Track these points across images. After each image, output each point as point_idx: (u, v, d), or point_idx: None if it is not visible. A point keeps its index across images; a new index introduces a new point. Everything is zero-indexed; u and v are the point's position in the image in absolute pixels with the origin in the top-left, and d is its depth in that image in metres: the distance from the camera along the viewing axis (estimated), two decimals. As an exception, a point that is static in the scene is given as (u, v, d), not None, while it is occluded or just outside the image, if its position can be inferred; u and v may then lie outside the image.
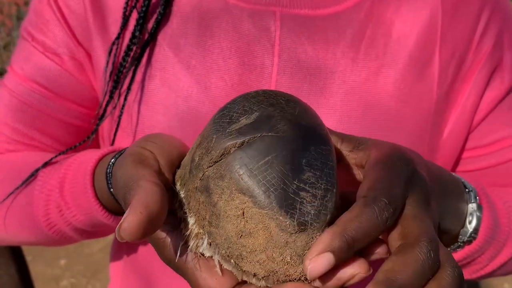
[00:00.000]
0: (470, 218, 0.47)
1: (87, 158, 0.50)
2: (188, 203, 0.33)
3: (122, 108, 0.53)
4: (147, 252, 0.59)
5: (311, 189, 0.31)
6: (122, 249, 0.63)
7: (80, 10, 0.53)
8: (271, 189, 0.30)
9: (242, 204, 0.30)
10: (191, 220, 0.33)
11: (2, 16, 3.83)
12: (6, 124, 0.57)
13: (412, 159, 0.34)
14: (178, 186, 0.34)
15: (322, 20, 0.51)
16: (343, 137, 0.36)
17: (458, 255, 0.49)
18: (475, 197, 0.47)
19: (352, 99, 0.50)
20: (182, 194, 0.34)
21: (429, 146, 0.53)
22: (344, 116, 0.50)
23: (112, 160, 0.47)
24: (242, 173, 0.30)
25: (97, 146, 0.60)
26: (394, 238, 0.30)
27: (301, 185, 0.30)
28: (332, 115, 0.50)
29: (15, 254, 1.46)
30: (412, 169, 0.33)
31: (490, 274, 0.55)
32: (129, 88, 0.52)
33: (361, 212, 0.29)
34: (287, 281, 0.31)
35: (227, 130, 0.32)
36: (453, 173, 0.47)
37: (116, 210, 0.49)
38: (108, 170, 0.46)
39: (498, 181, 0.58)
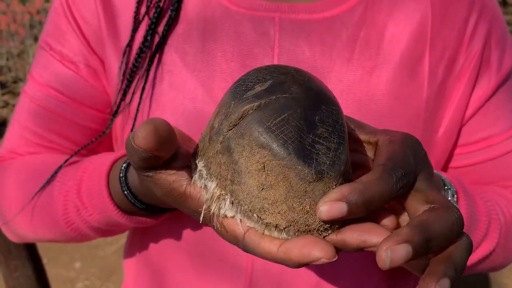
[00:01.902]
0: None
1: (102, 161, 0.53)
2: (209, 169, 0.34)
3: (138, 107, 0.55)
4: (160, 247, 0.61)
5: (325, 142, 0.33)
6: (136, 245, 0.66)
7: (94, 21, 0.57)
8: (289, 142, 0.32)
9: (262, 158, 0.32)
10: (212, 185, 0.34)
11: (15, 25, 3.89)
12: (27, 128, 0.60)
13: (421, 144, 0.37)
14: (197, 159, 0.36)
15: (319, 24, 0.54)
16: (356, 121, 0.40)
17: None
18: (453, 195, 0.50)
19: (347, 97, 0.53)
20: (201, 164, 0.35)
21: (422, 143, 0.55)
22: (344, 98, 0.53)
23: (124, 165, 0.50)
24: (261, 130, 0.32)
25: (110, 147, 0.63)
26: (418, 203, 0.33)
27: (316, 138, 0.32)
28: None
29: (32, 255, 1.49)
30: (423, 150, 0.36)
31: (465, 271, 0.58)
32: (143, 89, 0.55)
33: (381, 177, 0.32)
34: (307, 232, 0.33)
35: (244, 96, 0.33)
36: (434, 170, 0.50)
37: (130, 210, 0.52)
38: (121, 175, 0.49)
39: (485, 178, 0.60)
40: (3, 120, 3.46)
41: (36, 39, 4.30)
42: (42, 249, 1.43)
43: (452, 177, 0.54)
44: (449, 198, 0.50)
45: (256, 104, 0.32)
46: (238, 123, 0.33)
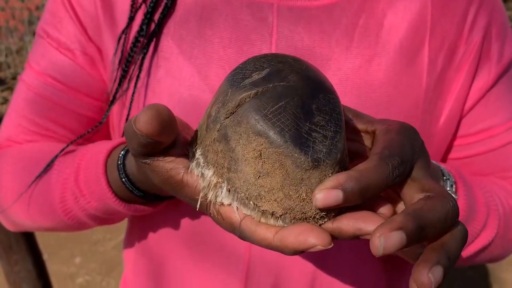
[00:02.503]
0: None
1: (99, 149, 0.53)
2: (206, 157, 0.35)
3: (132, 97, 0.55)
4: (158, 236, 0.61)
5: (322, 131, 0.33)
6: (134, 235, 0.66)
7: (91, 8, 0.56)
8: (286, 130, 0.32)
9: (259, 146, 0.32)
10: (209, 173, 0.34)
11: (14, 21, 3.88)
12: (24, 116, 0.60)
13: (418, 133, 0.37)
14: (194, 147, 0.36)
15: (318, 11, 0.53)
16: (353, 111, 0.40)
17: None
18: (451, 186, 0.50)
19: (346, 85, 0.53)
20: (199, 152, 0.35)
21: (420, 133, 0.55)
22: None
23: (122, 152, 0.50)
24: (258, 117, 0.32)
25: (107, 135, 0.63)
26: (414, 192, 0.33)
27: (312, 126, 0.32)
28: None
29: (32, 250, 1.50)
30: (420, 139, 0.36)
31: (464, 262, 0.58)
32: (138, 77, 0.55)
33: (377, 165, 0.32)
34: (303, 219, 0.33)
35: (241, 84, 0.33)
36: (433, 161, 0.50)
37: (128, 198, 0.52)
38: (119, 162, 0.49)
39: (485, 169, 0.61)
40: (2, 116, 3.46)
41: (35, 35, 4.30)
42: (42, 244, 1.43)
43: (451, 168, 0.54)
44: (448, 188, 0.50)
45: (253, 92, 0.33)
46: (235, 111, 0.33)
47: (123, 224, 2.18)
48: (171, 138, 0.34)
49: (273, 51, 0.53)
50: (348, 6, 0.54)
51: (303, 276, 0.57)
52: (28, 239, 1.48)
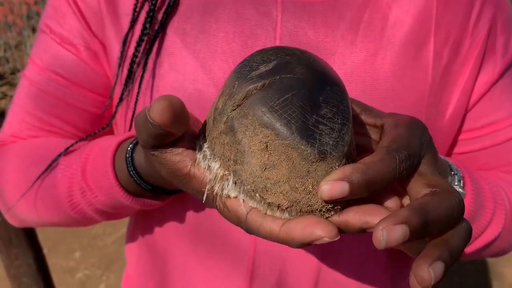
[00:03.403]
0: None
1: (107, 143, 0.53)
2: (213, 150, 0.35)
3: (137, 97, 0.55)
4: (162, 231, 0.61)
5: (329, 123, 0.32)
6: (138, 229, 0.66)
7: (94, 3, 0.56)
8: (292, 121, 0.31)
9: (265, 138, 0.32)
10: (216, 165, 0.34)
11: (13, 16, 3.87)
12: (28, 112, 0.60)
13: (427, 128, 0.37)
14: (201, 140, 0.36)
15: (322, 5, 0.53)
16: (362, 105, 0.40)
17: None
18: (459, 180, 0.50)
19: (351, 79, 0.53)
20: (205, 145, 0.35)
21: None
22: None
23: (130, 146, 0.50)
24: (264, 109, 0.32)
25: (111, 132, 0.63)
26: (420, 186, 0.33)
27: (319, 119, 0.32)
28: None
29: (32, 244, 1.50)
30: (428, 134, 0.36)
31: (471, 255, 0.58)
32: (142, 77, 0.55)
33: (384, 158, 0.32)
34: (309, 212, 0.33)
35: (248, 76, 0.33)
36: (440, 155, 0.50)
37: (135, 191, 0.52)
38: (127, 155, 0.49)
39: (491, 163, 0.61)
40: (2, 111, 3.46)
41: (34, 30, 4.28)
42: (42, 239, 1.43)
43: (458, 162, 0.54)
44: (456, 183, 0.50)
45: (260, 84, 0.32)
46: (242, 103, 0.33)
47: (124, 219, 2.18)
48: (182, 130, 0.34)
49: (278, 44, 0.53)
50: (352, 1, 0.54)
51: (308, 270, 0.57)
52: (28, 233, 1.48)
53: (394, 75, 0.53)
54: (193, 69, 0.53)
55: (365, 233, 0.33)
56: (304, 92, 0.33)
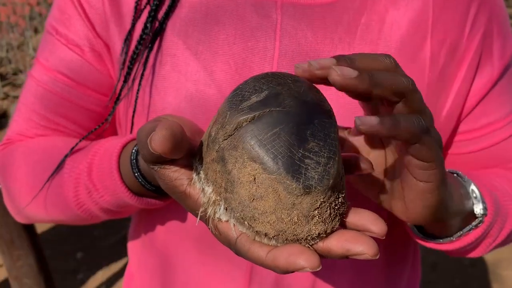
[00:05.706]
0: (474, 197, 0.51)
1: (112, 144, 0.54)
2: (206, 174, 0.36)
3: (137, 93, 0.56)
4: (165, 230, 0.62)
5: (315, 157, 0.34)
6: (141, 228, 0.67)
7: (99, 5, 0.57)
8: (279, 157, 0.33)
9: (253, 171, 0.33)
10: (209, 189, 0.36)
11: (15, 17, 3.88)
12: (34, 111, 0.61)
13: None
14: (197, 161, 0.37)
15: (321, 8, 0.54)
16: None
17: (476, 232, 0.52)
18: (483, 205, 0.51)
19: None
20: (200, 167, 0.37)
21: None
22: (341, 97, 0.53)
23: (135, 148, 0.51)
24: (253, 143, 0.33)
25: (114, 131, 0.65)
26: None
27: (306, 153, 0.34)
28: (330, 96, 0.53)
29: (34, 245, 1.51)
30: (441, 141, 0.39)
31: (500, 245, 0.59)
32: (142, 74, 0.56)
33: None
34: (295, 241, 0.34)
35: (240, 107, 0.35)
36: (458, 176, 0.52)
37: (139, 192, 0.53)
38: (132, 157, 0.51)
39: (490, 162, 0.62)
40: (3, 112, 3.47)
41: (36, 30, 4.30)
42: (43, 240, 1.44)
43: (471, 176, 0.55)
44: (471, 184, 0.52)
45: (250, 116, 0.34)
46: (233, 134, 0.34)
47: (125, 219, 2.19)
48: (182, 155, 0.35)
49: (277, 46, 0.54)
50: (350, 3, 0.55)
51: (305, 275, 0.58)
52: (30, 234, 1.48)
53: None
54: (194, 70, 0.54)
55: (347, 259, 0.34)
56: (292, 126, 0.34)
